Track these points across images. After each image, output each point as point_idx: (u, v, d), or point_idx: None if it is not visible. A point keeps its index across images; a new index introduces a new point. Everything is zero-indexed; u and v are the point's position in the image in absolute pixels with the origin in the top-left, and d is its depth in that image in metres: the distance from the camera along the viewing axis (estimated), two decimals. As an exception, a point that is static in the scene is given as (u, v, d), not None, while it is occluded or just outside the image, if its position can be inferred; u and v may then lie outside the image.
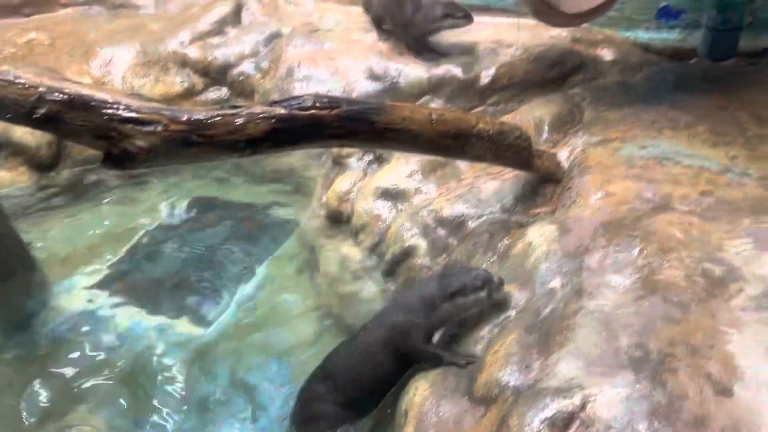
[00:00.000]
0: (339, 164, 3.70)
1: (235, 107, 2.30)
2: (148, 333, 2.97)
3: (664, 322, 1.94)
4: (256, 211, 3.77)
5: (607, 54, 3.91)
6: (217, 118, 2.24)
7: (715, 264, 2.12)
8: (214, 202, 3.86)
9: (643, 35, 4.05)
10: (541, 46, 3.90)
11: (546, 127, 3.26)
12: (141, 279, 3.31)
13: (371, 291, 3.06)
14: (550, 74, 3.83)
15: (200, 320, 3.05)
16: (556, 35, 3.98)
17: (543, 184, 2.95)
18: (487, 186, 3.07)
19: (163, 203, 3.84)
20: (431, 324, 2.41)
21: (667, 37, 3.95)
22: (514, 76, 3.85)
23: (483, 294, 2.34)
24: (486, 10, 4.37)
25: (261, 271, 3.32)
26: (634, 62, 3.86)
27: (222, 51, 4.45)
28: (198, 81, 4.43)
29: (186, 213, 3.77)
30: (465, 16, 3.86)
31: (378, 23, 4.24)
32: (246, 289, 3.21)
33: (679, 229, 2.28)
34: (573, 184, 2.76)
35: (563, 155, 3.00)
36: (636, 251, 2.23)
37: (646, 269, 2.15)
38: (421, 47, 3.97)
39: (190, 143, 2.22)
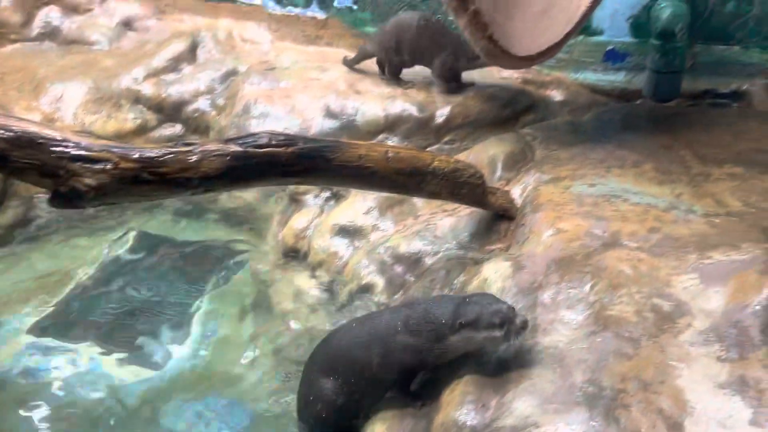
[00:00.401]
0: (296, 201, 3.68)
1: (189, 144, 2.28)
2: (90, 378, 2.84)
3: (616, 358, 1.96)
4: (209, 248, 3.69)
5: (556, 95, 4.03)
6: (170, 156, 2.21)
7: (664, 299, 2.17)
8: (165, 239, 3.78)
9: (590, 77, 4.19)
10: (494, 86, 4.00)
11: (499, 165, 3.32)
12: (84, 321, 3.18)
13: (327, 329, 3.01)
14: (502, 114, 3.91)
15: (147, 363, 2.94)
16: (508, 76, 4.09)
17: (497, 220, 2.99)
18: (443, 223, 3.10)
19: (111, 241, 3.73)
20: (429, 354, 2.17)
21: (614, 78, 4.09)
22: (468, 115, 3.92)
23: (498, 333, 2.05)
24: (440, 50, 4.48)
25: (212, 309, 3.23)
26: (582, 103, 3.99)
27: (176, 88, 4.41)
28: (151, 117, 4.37)
29: (135, 250, 3.66)
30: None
31: (382, 66, 4.18)
32: (196, 328, 3.12)
33: (628, 265, 2.33)
34: (526, 220, 2.81)
35: (516, 192, 3.06)
36: (587, 287, 2.27)
37: (597, 305, 2.19)
38: (455, 84, 3.99)
39: (141, 181, 2.18)
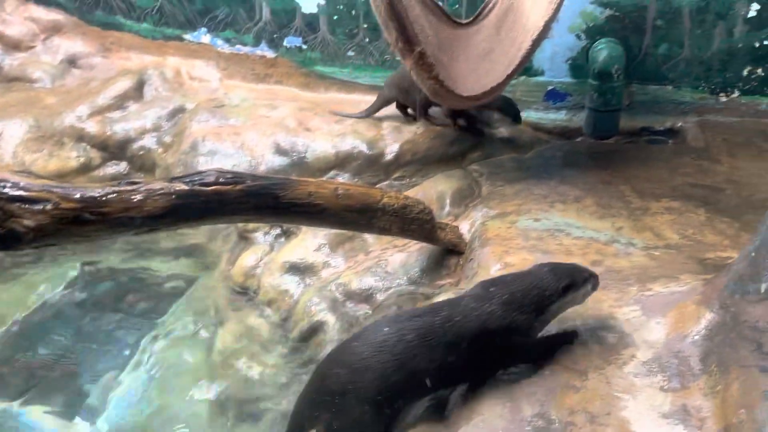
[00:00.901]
0: (245, 238, 3.64)
1: (133, 183, 2.23)
2: (21, 429, 2.69)
3: (564, 390, 1.99)
4: (155, 287, 3.59)
5: (501, 132, 4.15)
6: (113, 195, 2.15)
7: (608, 331, 2.21)
8: (110, 278, 3.66)
9: (533, 115, 4.34)
10: (442, 124, 4.08)
11: (448, 201, 3.38)
12: (18, 365, 3.03)
13: (278, 370, 2.96)
14: (450, 151, 3.99)
15: (85, 411, 2.81)
16: (455, 114, 4.19)
17: (447, 255, 3.03)
18: (394, 258, 3.11)
19: (53, 280, 3.58)
20: (536, 324, 2.10)
21: (555, 117, 4.24)
22: (417, 152, 3.99)
23: (590, 287, 2.14)
24: (389, 89, 4.56)
25: (159, 351, 3.12)
26: (526, 140, 4.11)
27: (122, 125, 4.35)
28: (95, 156, 4.28)
29: (78, 290, 3.53)
30: (515, 117, 3.95)
31: (404, 108, 4.18)
32: (141, 371, 3.00)
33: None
34: (475, 255, 2.84)
35: (465, 228, 3.11)
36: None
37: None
38: (475, 130, 4.03)
39: (83, 221, 2.11)
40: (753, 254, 1.95)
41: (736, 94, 4.13)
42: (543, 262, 2.24)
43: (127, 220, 2.16)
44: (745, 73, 4.08)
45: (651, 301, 2.31)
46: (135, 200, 2.16)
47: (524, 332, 2.08)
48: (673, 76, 4.18)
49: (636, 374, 2.04)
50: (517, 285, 2.11)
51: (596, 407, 1.92)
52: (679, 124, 4.16)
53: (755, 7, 3.91)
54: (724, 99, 4.15)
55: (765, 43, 3.97)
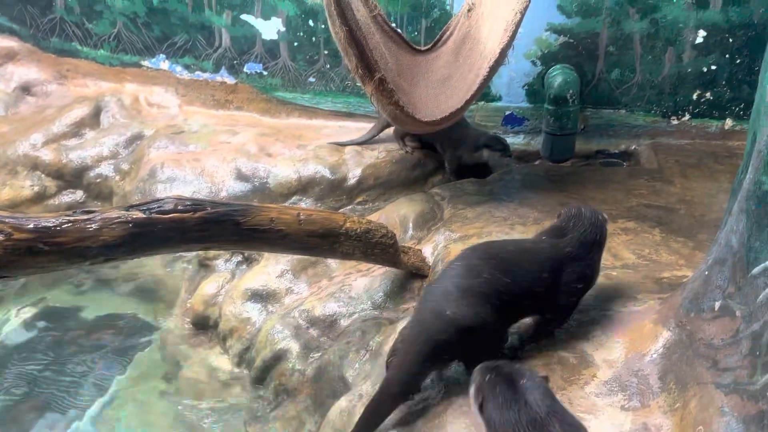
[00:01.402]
0: (205, 266, 3.58)
1: (89, 212, 2.19)
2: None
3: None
4: (112, 320, 3.48)
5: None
6: (68, 225, 2.11)
7: (569, 352, 2.24)
8: (64, 313, 3.54)
9: (492, 140, 4.42)
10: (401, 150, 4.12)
11: (410, 225, 3.39)
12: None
13: (241, 401, 2.90)
14: (412, 175, 4.03)
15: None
16: (416, 139, 4.23)
17: (411, 279, 3.03)
18: (357, 283, 3.10)
19: (3, 316, 3.46)
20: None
21: (513, 141, 4.32)
22: (379, 176, 4.01)
23: None
24: (349, 115, 4.59)
25: (115, 389, 3.02)
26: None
27: (78, 153, 4.26)
28: (51, 184, 4.19)
29: (31, 327, 3.41)
30: (502, 150, 3.90)
31: (402, 137, 4.13)
32: (99, 415, 2.88)
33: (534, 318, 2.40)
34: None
35: (428, 251, 3.12)
36: (498, 343, 2.31)
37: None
38: (459, 173, 3.98)
39: (37, 252, 2.06)
40: (706, 273, 2.01)
41: (687, 117, 4.28)
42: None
43: (82, 250, 2.12)
44: (694, 96, 4.23)
45: (610, 321, 2.34)
46: (91, 229, 2.12)
47: None
48: (626, 101, 4.31)
49: (597, 394, 2.06)
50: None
51: (560, 428, 1.93)
52: (633, 147, 4.29)
53: (702, 33, 4.08)
54: (675, 122, 4.29)
55: (712, 68, 4.14)
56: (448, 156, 3.99)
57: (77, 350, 3.26)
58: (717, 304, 1.92)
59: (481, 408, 1.71)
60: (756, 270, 1.75)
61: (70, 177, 4.22)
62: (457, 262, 2.23)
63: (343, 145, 4.18)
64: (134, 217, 2.19)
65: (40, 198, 4.14)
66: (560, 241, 2.30)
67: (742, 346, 1.76)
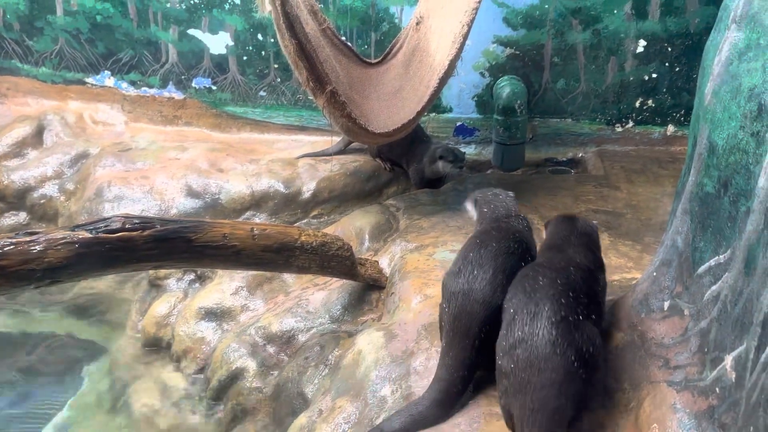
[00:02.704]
0: (156, 286, 3.49)
1: (32, 234, 2.11)
2: None
3: (487, 419, 2.01)
4: (59, 344, 3.35)
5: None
6: (10, 247, 2.02)
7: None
8: (8, 337, 3.39)
9: (445, 150, 4.47)
10: (356, 161, 4.12)
11: (366, 236, 3.39)
12: None
13: (198, 424, 2.82)
14: (366, 187, 4.04)
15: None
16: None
17: (368, 291, 3.02)
18: (315, 297, 3.07)
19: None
20: None
21: (465, 151, 4.37)
22: (334, 189, 4.00)
23: None
24: (302, 129, 4.58)
25: (63, 416, 2.89)
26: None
27: (20, 174, 4.11)
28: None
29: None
30: (453, 161, 3.87)
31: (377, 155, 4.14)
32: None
33: (492, 325, 2.42)
34: (395, 289, 2.85)
35: (384, 262, 3.12)
36: (457, 351, 2.32)
37: (467, 368, 2.24)
38: (422, 185, 3.97)
39: (-23, 277, 1.98)
40: (654, 274, 2.06)
41: (631, 124, 4.42)
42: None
43: (27, 273, 2.04)
44: (637, 104, 4.38)
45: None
46: (35, 251, 2.05)
47: None
48: (572, 110, 4.42)
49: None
50: None
51: None
52: (580, 155, 4.40)
53: (642, 43, 4.23)
54: (619, 129, 4.43)
55: (653, 76, 4.29)
56: (411, 169, 4.02)
57: (16, 378, 3.11)
58: (666, 304, 1.97)
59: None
60: (701, 269, 1.81)
61: (13, 198, 4.06)
62: None
63: (313, 156, 4.17)
64: (80, 237, 2.12)
65: (-20, 221, 3.98)
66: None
67: (691, 343, 1.81)
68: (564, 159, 4.42)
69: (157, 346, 3.24)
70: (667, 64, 4.26)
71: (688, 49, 4.21)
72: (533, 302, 1.88)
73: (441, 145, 3.99)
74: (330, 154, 4.18)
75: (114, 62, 4.65)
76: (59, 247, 2.08)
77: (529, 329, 1.84)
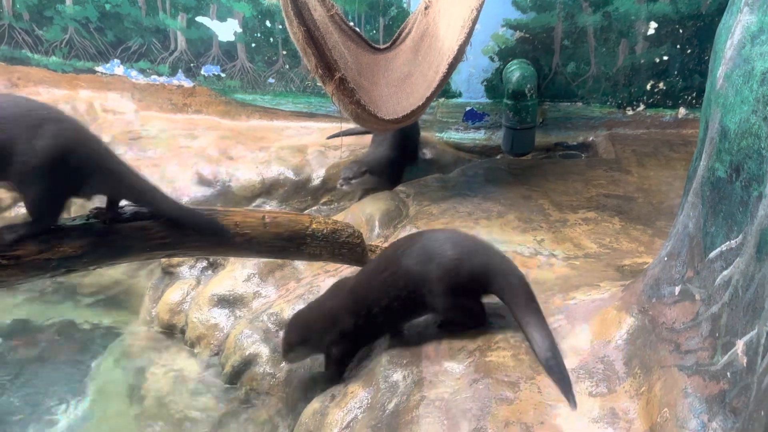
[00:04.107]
0: (169, 273, 3.52)
1: (47, 223, 2.13)
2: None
3: (498, 403, 2.02)
4: (75, 331, 3.37)
5: (425, 153, 4.23)
6: (26, 237, 2.05)
7: (537, 341, 2.27)
8: (25, 325, 3.42)
9: (454, 136, 4.46)
10: (365, 147, 4.12)
11: (377, 223, 3.39)
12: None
13: (212, 408, 2.86)
14: (376, 173, 4.03)
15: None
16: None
17: (378, 278, 3.03)
18: (326, 284, 3.06)
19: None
20: None
21: (475, 136, 4.37)
22: (343, 176, 4.00)
23: None
24: (311, 116, 4.58)
25: (82, 404, 2.92)
26: (448, 160, 4.21)
27: (33, 163, 4.14)
28: (6, 196, 4.06)
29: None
30: (346, 179, 3.74)
31: None
32: (64, 428, 2.78)
33: (502, 310, 2.44)
34: (405, 276, 2.86)
35: (394, 249, 3.12)
36: (466, 336, 2.34)
37: (477, 353, 2.26)
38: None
39: (-6, 266, 2.01)
40: (665, 259, 2.06)
41: (642, 107, 4.39)
42: None
43: (42, 263, 2.07)
44: (648, 87, 4.34)
45: (575, 310, 2.39)
46: (50, 241, 2.07)
47: None
48: (582, 93, 4.39)
49: (566, 381, 2.09)
50: None
51: (530, 417, 1.97)
52: (591, 138, 4.38)
53: (653, 25, 4.18)
54: (630, 112, 4.40)
55: (664, 58, 4.25)
56: None
57: (35, 365, 3.13)
58: (677, 289, 1.97)
59: None
60: (713, 254, 1.80)
61: (25, 188, 4.09)
62: None
63: (345, 135, 4.10)
64: (96, 226, 2.15)
65: (-6, 210, 4.02)
66: None
67: (703, 328, 1.81)
68: (574, 143, 4.39)
69: (171, 333, 3.27)
70: (678, 47, 4.22)
71: (699, 31, 4.16)
72: None
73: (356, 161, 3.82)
74: (357, 133, 4.12)
75: (123, 51, 4.66)
76: (74, 236, 2.11)
77: None
